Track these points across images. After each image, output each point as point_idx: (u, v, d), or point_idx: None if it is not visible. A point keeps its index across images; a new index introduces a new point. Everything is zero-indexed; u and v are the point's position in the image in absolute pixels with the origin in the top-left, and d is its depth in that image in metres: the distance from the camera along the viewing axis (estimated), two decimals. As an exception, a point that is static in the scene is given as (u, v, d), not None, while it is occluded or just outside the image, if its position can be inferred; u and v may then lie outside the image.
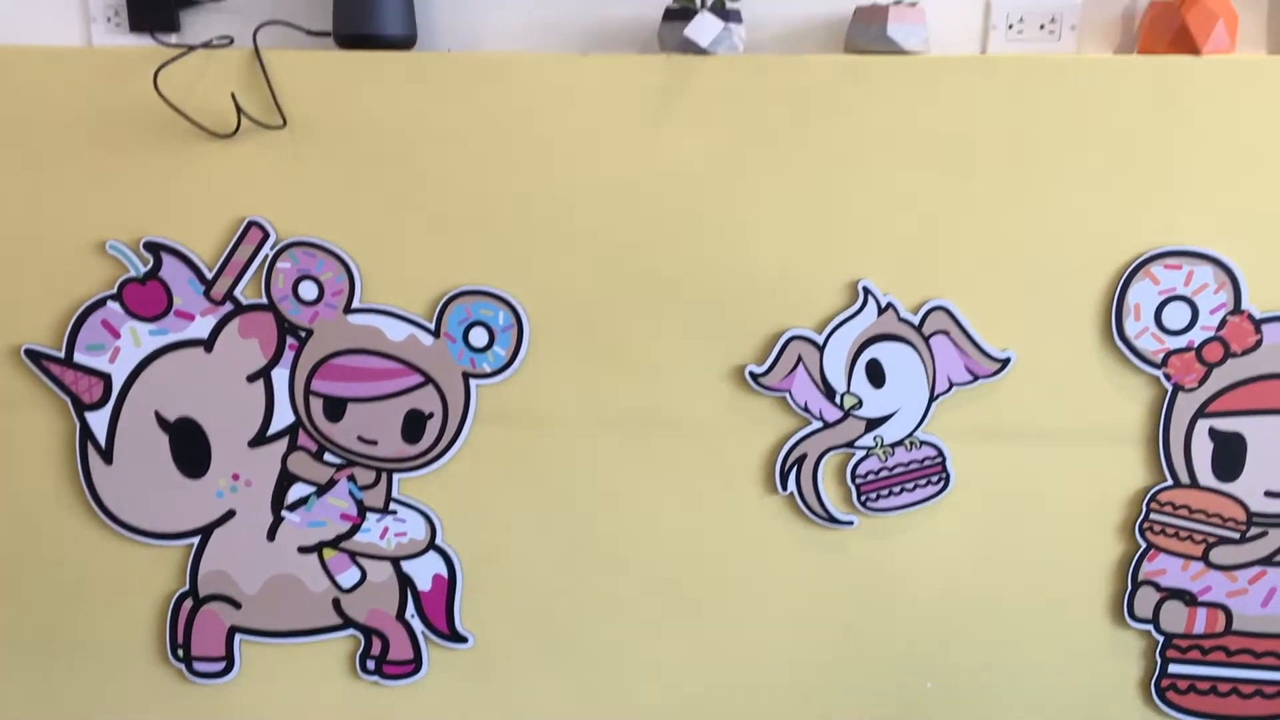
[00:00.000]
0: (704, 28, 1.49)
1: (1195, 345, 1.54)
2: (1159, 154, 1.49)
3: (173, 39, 1.63)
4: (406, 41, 1.57)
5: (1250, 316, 1.53)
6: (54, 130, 1.58)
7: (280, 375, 1.64)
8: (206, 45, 1.55)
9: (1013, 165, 1.51)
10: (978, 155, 1.51)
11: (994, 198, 1.52)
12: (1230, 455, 1.58)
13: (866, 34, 1.50)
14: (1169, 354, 1.55)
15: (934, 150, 1.51)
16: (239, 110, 1.54)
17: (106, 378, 1.65)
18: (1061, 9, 1.56)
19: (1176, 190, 1.50)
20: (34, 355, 1.65)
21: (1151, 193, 1.50)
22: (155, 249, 1.61)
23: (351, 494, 1.68)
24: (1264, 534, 1.59)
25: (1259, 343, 1.53)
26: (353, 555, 1.70)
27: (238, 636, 1.74)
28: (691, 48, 1.50)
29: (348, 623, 1.72)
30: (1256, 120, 1.47)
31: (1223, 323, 1.53)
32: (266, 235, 1.59)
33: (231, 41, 1.59)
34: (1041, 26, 1.56)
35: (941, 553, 1.66)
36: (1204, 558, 1.61)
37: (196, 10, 1.63)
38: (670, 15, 1.52)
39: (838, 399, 1.60)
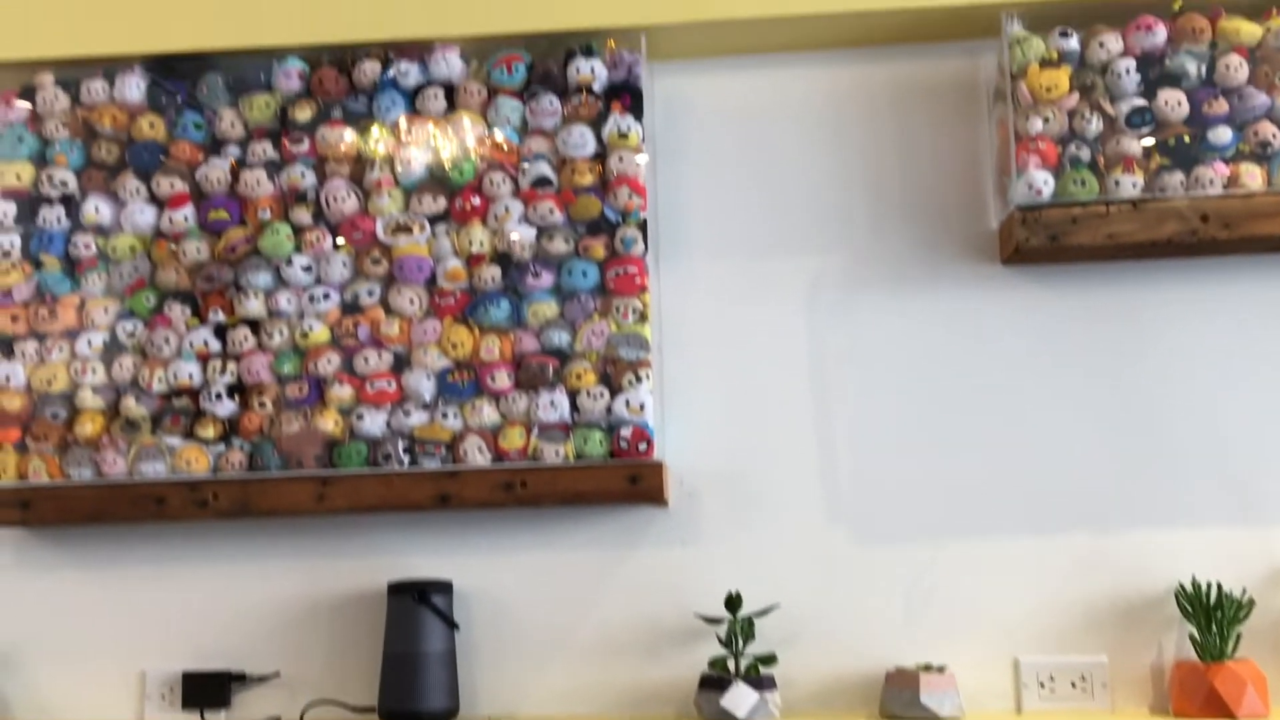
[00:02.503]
0: (740, 699, 1.52)
1: None
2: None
3: (222, 715, 1.68)
4: (449, 713, 1.61)
5: None
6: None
7: None
8: (254, 726, 1.60)
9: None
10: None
11: None
12: None
13: (899, 699, 1.53)
14: None
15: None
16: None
17: None
18: (1090, 667, 1.59)
19: None
20: None
21: None
22: None
23: None
24: None
25: None
26: None
27: None
28: (729, 717, 1.52)
29: None
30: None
31: None
32: None
33: (279, 720, 1.64)
34: (1073, 684, 1.59)
35: None
36: None
37: (248, 686, 1.70)
38: (706, 684, 1.56)
39: None
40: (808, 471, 1.69)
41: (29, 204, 1.72)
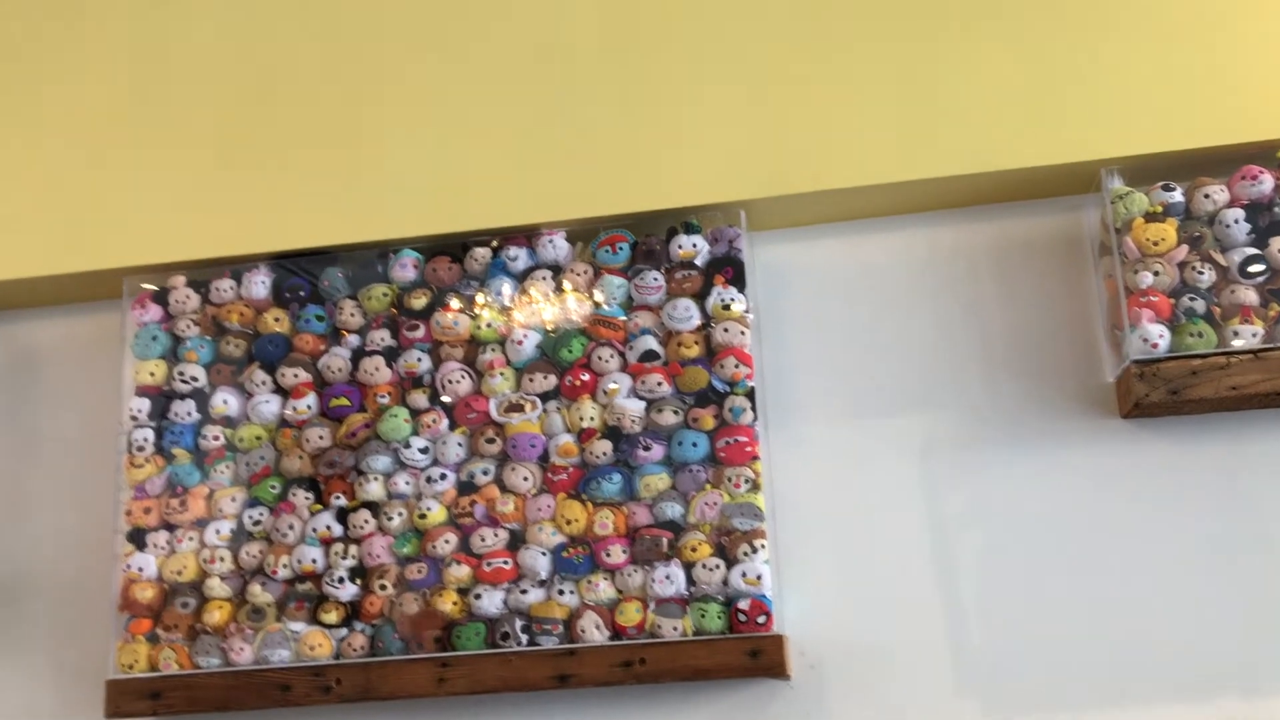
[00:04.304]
0: None
1: None
2: None
3: None
4: None
5: None
6: None
7: None
8: None
9: None
10: None
11: None
12: None
13: None
14: None
15: None
16: None
17: None
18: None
19: None
20: None
21: None
22: None
23: None
24: None
25: None
26: None
27: None
28: None
29: None
30: None
31: None
32: None
33: None
34: None
35: None
36: None
37: None
38: None
39: None
40: (934, 638, 1.63)
41: (162, 399, 1.81)
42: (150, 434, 1.79)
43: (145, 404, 1.80)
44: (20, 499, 1.90)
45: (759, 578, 1.60)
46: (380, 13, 1.88)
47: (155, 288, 1.85)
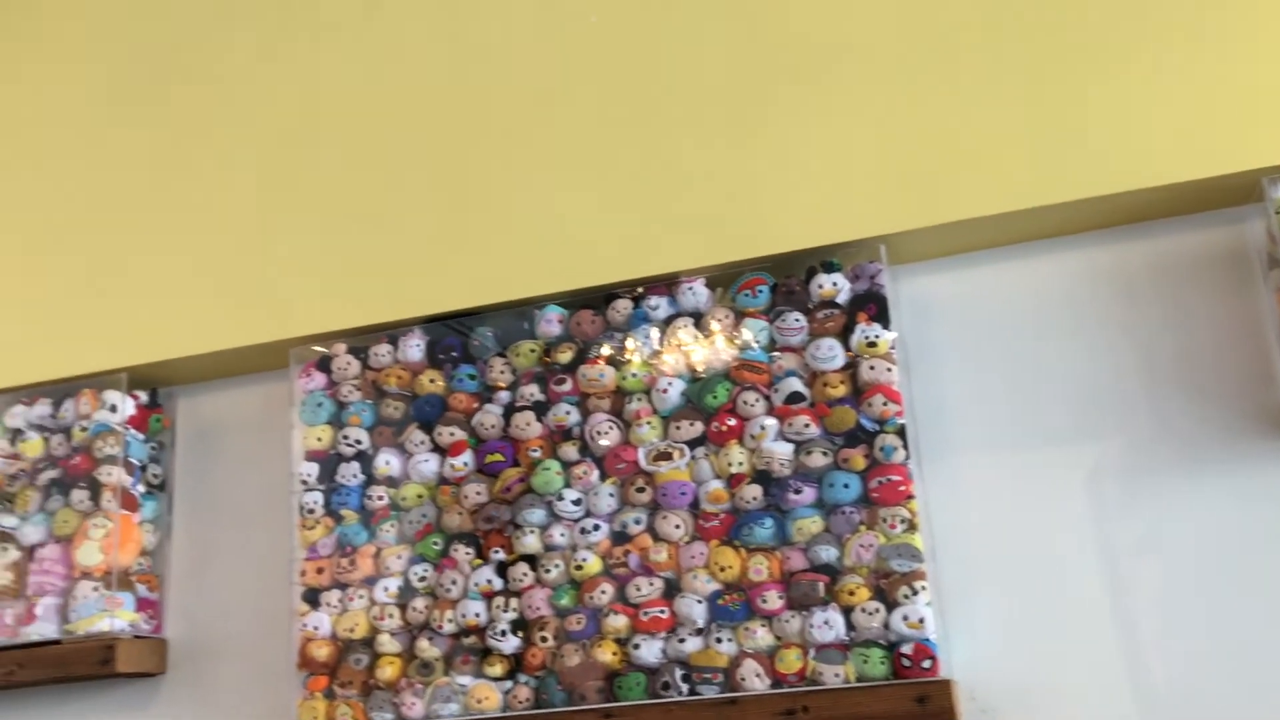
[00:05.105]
0: None
1: None
2: None
3: None
4: None
5: None
6: None
7: None
8: None
9: None
10: None
11: None
12: None
13: None
14: None
15: None
16: None
17: None
18: None
19: None
20: None
21: None
22: None
23: None
24: None
25: None
26: None
27: None
28: None
29: None
30: None
31: None
32: None
33: None
34: None
35: None
36: None
37: None
38: None
39: None
40: (1113, 677, 1.56)
41: (330, 462, 1.89)
42: (320, 496, 1.87)
43: (314, 468, 1.88)
44: (203, 562, 2.01)
45: (921, 621, 1.56)
46: (512, 73, 1.93)
47: (321, 350, 1.94)
